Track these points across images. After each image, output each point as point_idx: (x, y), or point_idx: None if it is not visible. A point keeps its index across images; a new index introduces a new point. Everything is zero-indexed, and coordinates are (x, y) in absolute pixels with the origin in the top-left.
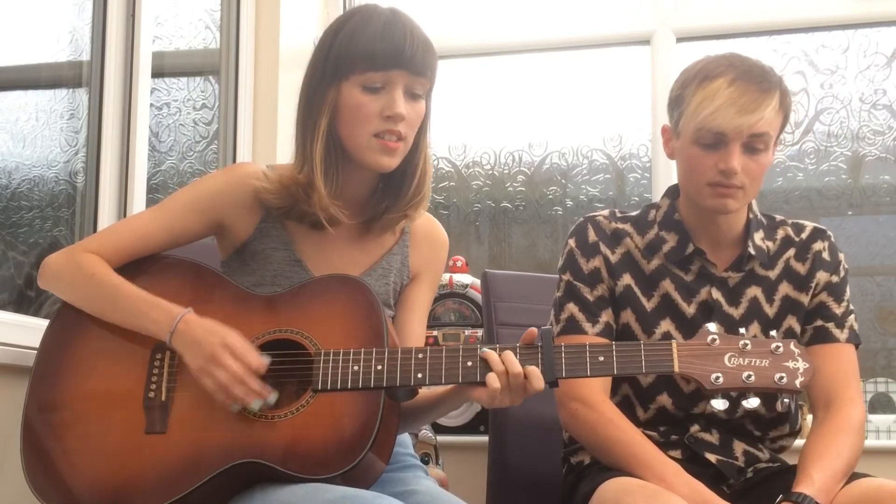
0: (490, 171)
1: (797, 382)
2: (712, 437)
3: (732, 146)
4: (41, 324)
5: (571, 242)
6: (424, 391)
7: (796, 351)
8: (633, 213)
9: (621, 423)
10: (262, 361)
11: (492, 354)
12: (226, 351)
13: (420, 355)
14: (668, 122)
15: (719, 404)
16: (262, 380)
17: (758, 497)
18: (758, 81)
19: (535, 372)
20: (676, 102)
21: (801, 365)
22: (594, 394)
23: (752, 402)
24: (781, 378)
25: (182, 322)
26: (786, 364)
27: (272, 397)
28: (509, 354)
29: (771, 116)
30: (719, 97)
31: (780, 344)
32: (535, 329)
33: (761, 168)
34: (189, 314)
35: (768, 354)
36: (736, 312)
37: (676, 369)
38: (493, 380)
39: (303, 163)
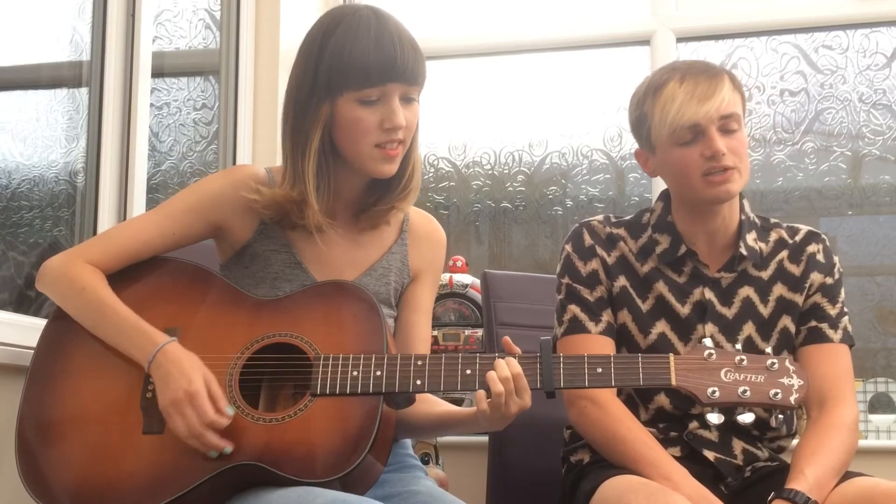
0: (490, 171)
1: (792, 399)
2: (711, 435)
3: (710, 132)
4: (41, 324)
5: (568, 247)
6: (427, 411)
7: (791, 368)
8: (627, 218)
9: (629, 423)
10: (218, 417)
11: (493, 372)
12: (187, 400)
13: (419, 362)
14: (638, 148)
15: (714, 418)
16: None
17: (756, 496)
18: (703, 71)
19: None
20: (640, 122)
21: (796, 382)
22: (603, 392)
23: (747, 417)
24: (776, 394)
25: (160, 353)
26: (781, 380)
27: (228, 449)
28: (502, 361)
29: (730, 96)
30: (677, 96)
31: (775, 360)
32: (508, 338)
33: (742, 145)
34: (170, 345)
35: (764, 370)
36: (729, 312)
37: (673, 383)
38: (495, 383)
39: (294, 180)
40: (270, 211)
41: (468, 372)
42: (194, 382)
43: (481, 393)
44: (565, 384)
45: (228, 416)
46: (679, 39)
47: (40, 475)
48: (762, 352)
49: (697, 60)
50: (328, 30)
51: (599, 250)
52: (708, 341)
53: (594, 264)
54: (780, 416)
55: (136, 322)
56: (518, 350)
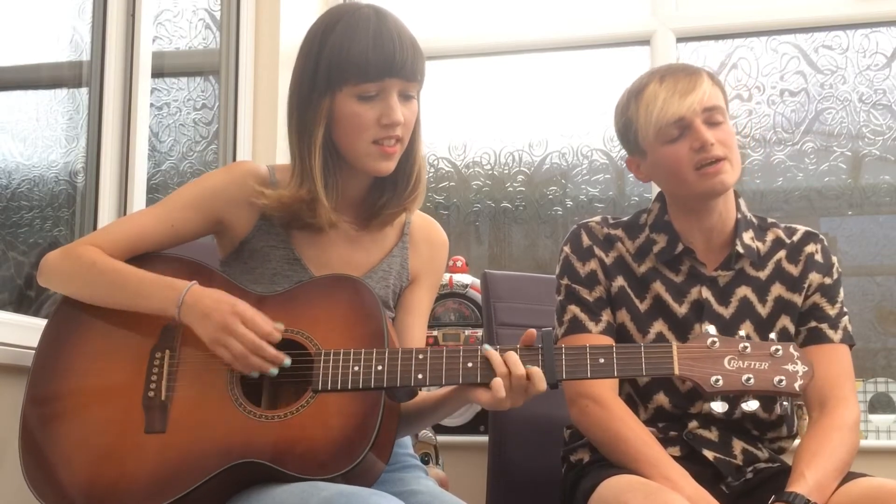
0: (490, 171)
1: (796, 385)
2: (711, 435)
3: (695, 124)
4: (41, 324)
5: (566, 249)
6: (425, 393)
7: (795, 354)
8: (624, 219)
9: (631, 422)
10: (273, 327)
11: (494, 354)
12: (237, 319)
13: (420, 356)
14: (628, 156)
15: (718, 407)
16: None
17: (757, 498)
18: (682, 69)
19: (538, 373)
20: (626, 128)
21: (801, 368)
22: (605, 391)
23: (752, 405)
24: (780, 381)
25: (189, 294)
26: (785, 367)
27: (287, 361)
28: (512, 355)
29: (710, 89)
30: (659, 95)
31: (779, 347)
32: (533, 330)
33: (730, 136)
34: (195, 286)
35: (768, 357)
36: (726, 312)
37: (676, 372)
38: (497, 384)
39: (302, 178)
40: (279, 213)
41: (469, 365)
42: (237, 304)
43: (498, 381)
44: (567, 375)
45: (280, 328)
46: (679, 39)
47: (43, 474)
48: None
49: (675, 63)
50: (328, 26)
51: (597, 251)
52: (711, 328)
53: (592, 265)
54: (785, 404)
55: (154, 277)
56: None
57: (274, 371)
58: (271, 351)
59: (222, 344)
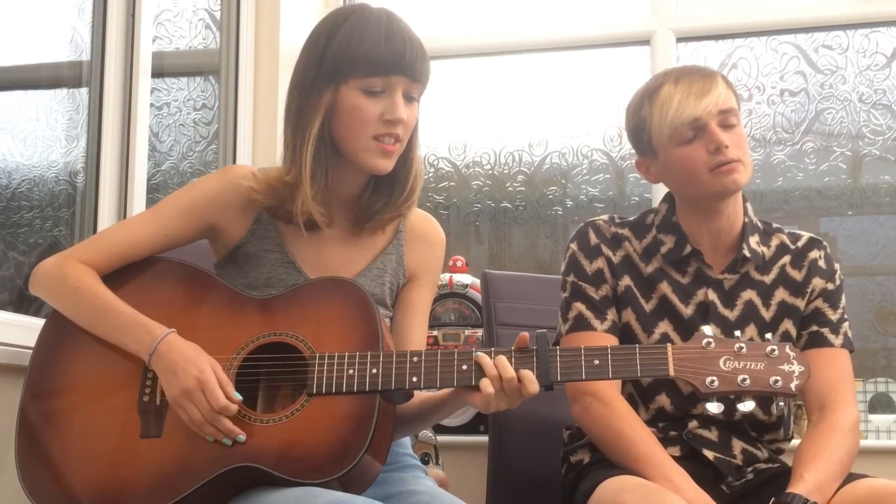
0: (490, 171)
1: (792, 385)
2: (711, 434)
3: (711, 126)
4: (40, 323)
5: (573, 246)
6: (421, 395)
7: (792, 354)
8: (632, 219)
9: (634, 422)
10: (229, 403)
11: (484, 358)
12: (198, 387)
13: (415, 359)
14: (638, 157)
15: (714, 408)
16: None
17: (758, 499)
18: (696, 71)
19: (528, 375)
20: (639, 128)
21: (797, 368)
22: (608, 389)
23: (748, 406)
24: (776, 381)
25: (163, 343)
26: (781, 367)
27: (241, 437)
28: (502, 359)
29: (725, 92)
30: (674, 96)
31: (775, 347)
32: (526, 334)
33: (743, 140)
34: (170, 335)
35: (763, 357)
36: (731, 315)
37: (671, 373)
38: (486, 385)
39: (291, 164)
40: (267, 198)
41: (464, 368)
42: (204, 370)
43: (485, 381)
44: (562, 377)
45: (238, 400)
46: (679, 39)
47: (39, 478)
48: None
49: (688, 65)
50: (337, 21)
51: (605, 249)
52: (707, 329)
53: (599, 263)
54: (781, 404)
55: (134, 316)
56: None
57: (228, 442)
58: (226, 425)
59: (181, 406)
